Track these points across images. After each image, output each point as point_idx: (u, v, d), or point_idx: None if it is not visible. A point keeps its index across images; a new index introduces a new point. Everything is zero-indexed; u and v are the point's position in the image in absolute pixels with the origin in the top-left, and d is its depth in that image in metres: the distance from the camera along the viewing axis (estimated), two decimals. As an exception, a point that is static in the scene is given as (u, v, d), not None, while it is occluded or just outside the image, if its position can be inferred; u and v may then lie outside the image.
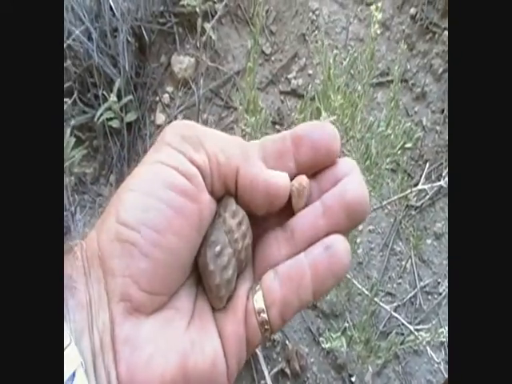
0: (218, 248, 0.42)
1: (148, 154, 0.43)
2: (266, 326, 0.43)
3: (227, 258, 0.42)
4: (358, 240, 1.91)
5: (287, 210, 0.45)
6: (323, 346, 1.51)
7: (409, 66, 2.07)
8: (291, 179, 0.44)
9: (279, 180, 0.43)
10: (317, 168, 0.45)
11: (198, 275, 0.44)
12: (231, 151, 0.43)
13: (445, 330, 1.33)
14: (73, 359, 0.37)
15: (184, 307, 0.43)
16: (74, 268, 0.40)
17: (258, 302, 0.43)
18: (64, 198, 1.55)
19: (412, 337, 1.42)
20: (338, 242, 0.42)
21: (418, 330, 1.45)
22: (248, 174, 0.42)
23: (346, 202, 0.42)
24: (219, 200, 0.44)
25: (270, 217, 0.45)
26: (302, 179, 0.44)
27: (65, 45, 1.78)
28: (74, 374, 0.37)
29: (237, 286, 0.44)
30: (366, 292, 1.54)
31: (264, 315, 0.42)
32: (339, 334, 1.48)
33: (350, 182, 0.43)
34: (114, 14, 1.92)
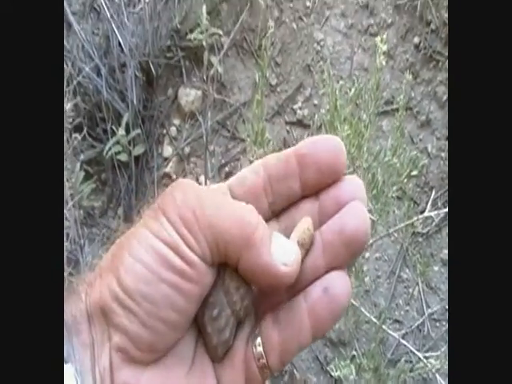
0: (215, 311, 0.42)
1: (147, 216, 0.41)
2: (266, 370, 0.42)
3: (225, 319, 0.42)
4: (365, 268, 1.91)
5: None
6: (332, 374, 1.50)
7: (413, 94, 2.09)
8: (295, 200, 0.44)
9: (285, 270, 0.40)
10: (322, 187, 0.43)
11: (197, 325, 0.43)
12: (231, 235, 0.40)
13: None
14: None
15: (184, 354, 0.42)
16: (77, 309, 0.40)
17: (257, 348, 0.42)
18: (73, 231, 1.57)
19: (421, 364, 1.42)
20: (337, 281, 0.41)
21: (426, 358, 1.44)
22: (250, 264, 0.40)
23: (345, 237, 0.41)
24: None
25: None
26: (308, 229, 0.42)
27: (75, 82, 1.80)
28: None
29: (236, 333, 0.43)
30: (374, 320, 1.54)
31: (263, 361, 0.42)
32: (348, 361, 1.47)
33: (351, 212, 0.41)
34: (122, 50, 1.95)
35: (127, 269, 0.39)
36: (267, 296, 0.44)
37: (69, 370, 0.38)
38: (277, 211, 0.45)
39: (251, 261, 0.40)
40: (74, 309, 0.40)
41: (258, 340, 0.42)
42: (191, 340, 0.43)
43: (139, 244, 0.40)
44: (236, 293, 0.42)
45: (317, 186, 0.43)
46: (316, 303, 0.41)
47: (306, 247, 0.42)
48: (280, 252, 0.41)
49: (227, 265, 0.41)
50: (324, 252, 0.42)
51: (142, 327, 0.39)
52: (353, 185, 0.43)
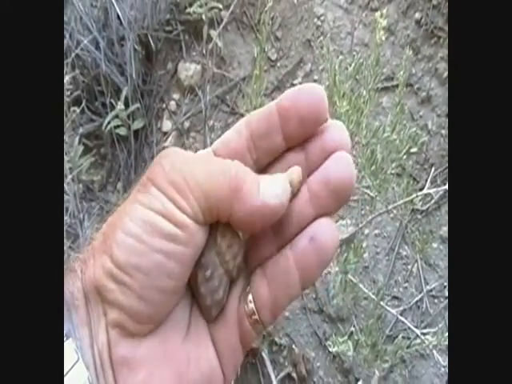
0: (208, 272, 0.42)
1: (136, 191, 0.41)
2: (259, 326, 0.43)
3: (218, 280, 0.42)
4: (364, 244, 1.90)
5: None
6: (330, 349, 1.51)
7: (414, 71, 2.07)
8: (280, 154, 0.44)
9: (274, 203, 0.41)
10: (306, 136, 0.44)
11: (192, 289, 0.44)
12: (221, 192, 0.40)
13: (451, 332, 1.32)
14: (81, 375, 0.39)
15: (179, 321, 0.43)
16: (75, 287, 0.41)
17: (249, 304, 0.43)
18: (72, 205, 1.56)
19: (418, 340, 1.42)
20: (323, 229, 0.42)
21: (424, 334, 1.45)
22: (241, 213, 0.41)
23: (331, 186, 0.42)
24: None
25: None
26: (297, 176, 0.43)
27: (73, 54, 1.79)
28: None
29: (228, 292, 0.44)
30: (372, 296, 1.54)
31: (255, 317, 0.43)
32: (346, 337, 1.48)
33: (336, 162, 0.42)
34: (121, 23, 1.93)
35: (119, 244, 0.40)
36: (257, 250, 0.45)
37: (70, 346, 0.39)
38: (263, 166, 0.45)
39: (242, 208, 0.41)
40: (71, 286, 0.41)
41: (250, 297, 0.43)
42: (186, 306, 0.44)
43: (130, 219, 0.40)
44: (228, 251, 0.43)
45: (300, 136, 0.44)
46: (303, 253, 0.42)
47: (294, 191, 0.43)
48: (268, 188, 0.41)
49: (218, 224, 0.42)
50: (311, 202, 0.43)
51: (137, 300, 0.39)
52: (336, 132, 0.43)
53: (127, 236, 0.39)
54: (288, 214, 0.43)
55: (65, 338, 0.39)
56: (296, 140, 0.44)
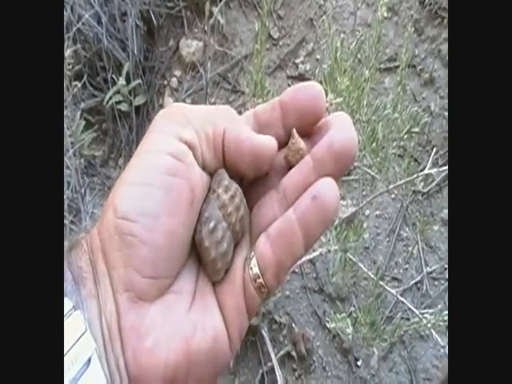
0: (211, 224, 0.43)
1: (140, 145, 0.43)
2: (263, 290, 0.44)
3: (221, 232, 0.43)
4: (365, 225, 1.90)
5: (283, 174, 0.46)
6: (328, 325, 1.51)
7: (417, 52, 2.06)
8: (283, 145, 0.45)
9: (263, 139, 0.44)
10: (306, 130, 0.46)
11: (198, 255, 0.45)
12: (218, 119, 0.44)
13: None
14: (88, 346, 0.39)
15: (186, 289, 0.44)
16: (83, 260, 0.42)
17: (253, 268, 0.44)
18: (74, 179, 1.56)
19: (416, 319, 1.43)
20: (325, 188, 0.43)
21: (422, 314, 1.45)
22: (233, 133, 0.43)
23: (334, 151, 0.43)
24: (212, 174, 0.45)
25: (265, 182, 0.47)
26: (297, 141, 0.45)
27: (74, 28, 1.77)
28: (89, 360, 0.39)
29: (234, 256, 0.45)
30: (372, 276, 1.54)
31: (260, 280, 0.43)
32: (344, 314, 1.48)
33: (337, 129, 0.44)
34: (122, -2, 1.92)
35: (121, 196, 0.41)
36: (262, 217, 0.46)
37: (78, 317, 0.40)
38: None
39: (235, 132, 0.43)
40: (78, 260, 0.42)
41: (254, 261, 0.44)
42: (192, 273, 0.45)
43: (131, 169, 0.42)
44: (231, 204, 0.44)
45: (301, 130, 0.45)
46: (305, 212, 0.42)
47: (298, 157, 0.45)
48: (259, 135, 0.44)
49: (221, 178, 0.44)
50: (314, 169, 0.44)
51: (143, 246, 0.41)
52: (336, 115, 0.45)
53: (129, 185, 0.42)
54: (292, 180, 0.45)
55: (73, 310, 0.40)
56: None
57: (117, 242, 0.41)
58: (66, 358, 0.38)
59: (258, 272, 0.43)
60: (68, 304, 0.39)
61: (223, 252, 0.43)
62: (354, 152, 0.43)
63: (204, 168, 0.44)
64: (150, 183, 0.41)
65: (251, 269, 0.44)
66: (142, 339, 0.41)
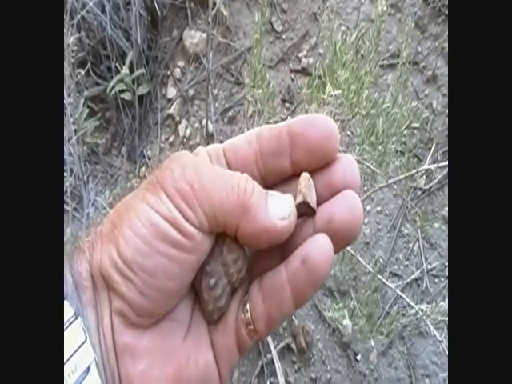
0: (212, 280, 0.43)
1: (145, 189, 0.42)
2: (254, 336, 0.43)
3: (221, 289, 0.43)
4: (366, 220, 1.91)
5: None
6: (325, 314, 1.51)
7: (420, 49, 2.07)
8: (287, 175, 0.44)
9: (282, 225, 0.41)
10: (313, 167, 0.43)
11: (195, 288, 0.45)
12: (229, 207, 0.40)
13: (445, 303, 1.32)
14: (88, 354, 0.40)
15: (182, 318, 0.44)
16: (83, 267, 0.42)
17: (246, 314, 0.43)
18: (76, 166, 1.55)
19: (413, 311, 1.42)
20: (316, 248, 0.41)
21: (421, 310, 1.45)
22: (248, 229, 0.41)
23: (334, 227, 0.41)
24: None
25: None
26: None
27: (78, 16, 1.77)
28: (88, 368, 0.39)
29: (230, 298, 0.45)
30: (372, 270, 1.54)
31: (251, 327, 0.43)
32: (342, 305, 1.48)
33: (342, 203, 0.42)
34: (126, -13, 1.92)
35: (127, 241, 0.40)
36: (260, 262, 0.45)
37: (78, 325, 0.40)
38: (269, 184, 0.44)
39: (249, 226, 0.41)
40: (79, 266, 0.42)
41: (247, 306, 0.43)
42: (188, 305, 0.44)
43: (138, 218, 0.40)
44: (233, 265, 0.43)
45: (307, 166, 0.43)
46: (295, 273, 0.41)
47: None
48: (276, 208, 0.41)
49: (226, 235, 0.42)
50: (314, 232, 0.42)
51: (139, 295, 0.40)
52: (346, 167, 0.43)
53: (134, 235, 0.40)
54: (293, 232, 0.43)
55: (74, 318, 0.40)
56: (303, 167, 0.43)
57: (116, 277, 0.40)
58: (66, 366, 0.38)
59: (250, 318, 0.43)
60: (69, 311, 0.40)
61: (221, 306, 0.44)
62: (355, 231, 0.41)
63: (210, 234, 0.42)
64: (156, 248, 0.40)
65: (244, 313, 0.43)
66: (136, 361, 0.41)
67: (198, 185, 0.40)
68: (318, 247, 0.41)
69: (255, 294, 0.43)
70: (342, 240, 0.41)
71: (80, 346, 0.39)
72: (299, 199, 0.42)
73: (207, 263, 0.43)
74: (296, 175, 0.44)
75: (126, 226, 0.40)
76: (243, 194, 0.41)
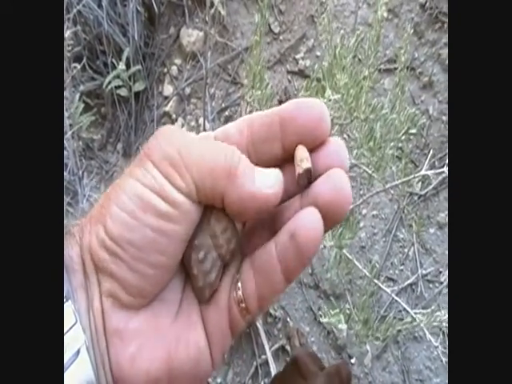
0: (201, 254, 0.42)
1: (133, 165, 0.42)
2: (246, 314, 0.43)
3: (211, 262, 0.43)
4: (362, 224, 1.91)
5: None
6: (321, 320, 1.51)
7: (417, 55, 2.07)
8: (278, 162, 0.43)
9: (268, 192, 0.41)
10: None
11: (185, 266, 0.44)
12: (216, 173, 0.40)
13: (441, 313, 1.32)
14: (78, 337, 0.40)
15: (172, 298, 0.44)
16: (73, 251, 0.42)
17: (238, 292, 0.43)
18: (71, 161, 1.54)
19: (409, 318, 1.42)
20: (305, 223, 0.41)
21: (416, 314, 1.45)
22: (235, 196, 0.41)
23: (319, 207, 0.41)
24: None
25: None
26: (307, 160, 0.42)
27: (75, 10, 1.76)
28: (78, 351, 0.39)
29: (222, 276, 0.44)
30: (368, 275, 1.53)
31: (243, 305, 0.43)
32: (338, 310, 1.47)
33: (328, 181, 0.41)
34: (124, -18, 1.92)
35: (113, 218, 0.40)
36: (250, 239, 0.45)
37: (69, 308, 0.40)
38: None
39: (236, 192, 0.40)
40: (70, 250, 0.42)
41: (239, 284, 0.43)
42: (179, 284, 0.44)
43: (124, 193, 0.40)
44: (222, 236, 0.43)
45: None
46: (284, 249, 0.41)
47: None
48: (263, 178, 0.41)
49: (213, 207, 0.42)
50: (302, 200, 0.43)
51: (129, 272, 0.40)
52: (334, 151, 0.43)
53: (121, 210, 0.40)
54: (280, 206, 0.43)
55: (64, 300, 0.40)
56: (293, 152, 0.43)
57: (105, 256, 0.41)
58: None
59: (242, 296, 0.43)
60: None
61: (211, 282, 0.43)
62: (344, 209, 0.41)
63: (198, 204, 0.41)
64: (142, 221, 0.40)
65: (236, 291, 0.43)
66: (125, 344, 0.41)
67: (186, 151, 0.40)
68: (306, 222, 0.41)
69: (246, 271, 0.43)
70: (328, 219, 0.41)
71: (70, 329, 0.39)
72: (305, 166, 0.41)
73: (195, 237, 0.42)
74: (287, 161, 0.43)
75: (113, 204, 0.41)
76: (231, 160, 0.41)
